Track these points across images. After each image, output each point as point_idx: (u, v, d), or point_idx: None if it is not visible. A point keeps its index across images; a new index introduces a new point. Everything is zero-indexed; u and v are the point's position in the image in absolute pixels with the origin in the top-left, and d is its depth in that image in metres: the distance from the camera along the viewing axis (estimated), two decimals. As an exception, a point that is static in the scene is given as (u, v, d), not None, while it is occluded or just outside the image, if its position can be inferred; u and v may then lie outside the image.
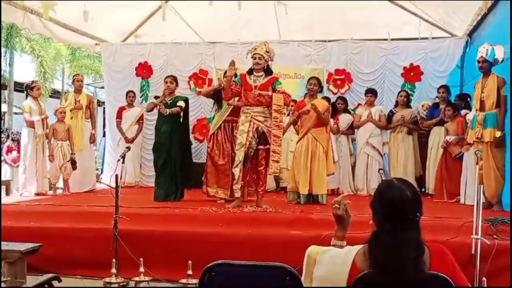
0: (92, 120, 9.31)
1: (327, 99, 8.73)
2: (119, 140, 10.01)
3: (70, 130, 8.48)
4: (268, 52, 6.74)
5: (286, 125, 8.96)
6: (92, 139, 9.31)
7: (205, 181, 7.67)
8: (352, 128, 9.31)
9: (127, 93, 10.00)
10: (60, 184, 8.73)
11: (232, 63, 6.67)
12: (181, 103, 7.63)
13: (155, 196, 7.56)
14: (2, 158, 10.92)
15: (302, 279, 2.44)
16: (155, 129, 7.92)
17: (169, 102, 7.65)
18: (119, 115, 9.95)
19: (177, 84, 7.87)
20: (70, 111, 8.85)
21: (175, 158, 7.59)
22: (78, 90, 9.23)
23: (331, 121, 8.62)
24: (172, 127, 7.60)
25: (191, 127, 10.18)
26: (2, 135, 12.07)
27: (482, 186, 5.41)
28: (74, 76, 9.96)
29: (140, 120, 9.97)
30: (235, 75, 6.78)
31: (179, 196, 7.59)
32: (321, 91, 7.95)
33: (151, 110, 8.07)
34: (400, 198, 2.28)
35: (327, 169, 7.43)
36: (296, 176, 7.38)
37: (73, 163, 8.42)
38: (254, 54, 6.72)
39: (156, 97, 7.90)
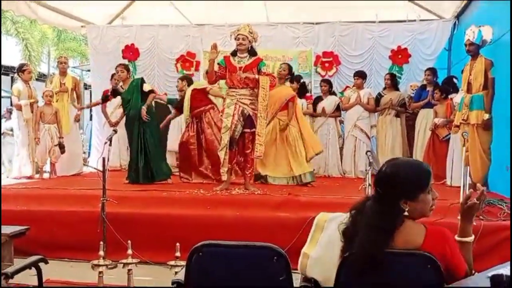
0: (79, 101, 9.29)
1: (299, 77, 8.82)
2: (104, 123, 9.93)
3: (57, 114, 8.39)
4: (251, 33, 6.71)
5: None
6: (77, 118, 9.25)
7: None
8: (338, 110, 9.30)
9: (113, 75, 9.88)
10: (47, 167, 8.67)
11: (214, 46, 6.63)
12: (146, 86, 7.61)
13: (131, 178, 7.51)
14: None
15: (307, 243, 2.48)
16: (124, 111, 7.91)
17: (127, 89, 7.59)
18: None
19: (128, 71, 7.73)
20: (55, 94, 8.75)
21: (146, 142, 7.48)
22: (62, 73, 9.10)
23: (303, 102, 8.89)
24: (138, 112, 7.45)
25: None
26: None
27: (468, 167, 5.45)
28: (58, 58, 9.83)
29: (124, 103, 9.88)
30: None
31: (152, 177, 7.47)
32: (290, 80, 8.10)
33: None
34: (389, 173, 2.30)
35: (313, 148, 7.57)
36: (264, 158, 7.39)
37: (61, 146, 8.32)
38: (238, 35, 6.69)
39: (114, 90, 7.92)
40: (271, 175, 7.56)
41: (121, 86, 7.72)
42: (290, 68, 7.88)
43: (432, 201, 2.32)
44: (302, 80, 8.97)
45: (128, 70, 7.73)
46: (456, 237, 2.35)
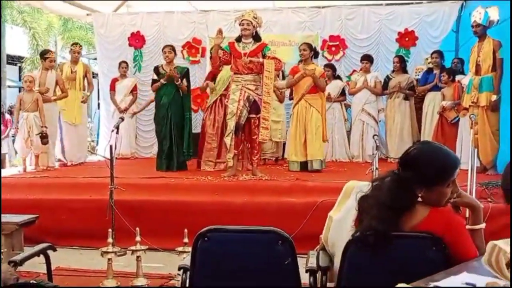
0: (90, 87, 9.14)
1: (331, 66, 8.76)
2: (113, 112, 9.92)
3: (39, 101, 7.68)
4: (255, 18, 6.70)
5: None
6: (85, 99, 9.00)
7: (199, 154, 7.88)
8: (343, 95, 9.27)
9: (120, 63, 9.88)
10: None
11: (219, 32, 6.63)
12: (185, 82, 7.63)
13: (156, 166, 7.60)
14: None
15: (333, 208, 2.52)
16: (155, 101, 7.88)
17: (169, 72, 7.61)
18: (112, 87, 9.86)
19: (175, 54, 7.83)
20: (67, 81, 8.60)
21: (174, 130, 7.54)
22: (74, 61, 8.91)
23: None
24: (171, 99, 7.56)
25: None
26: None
27: (476, 150, 5.42)
28: (71, 45, 9.35)
29: (133, 91, 9.89)
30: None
31: (176, 166, 7.53)
32: (316, 57, 7.85)
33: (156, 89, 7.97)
34: (412, 156, 2.30)
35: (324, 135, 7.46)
36: (292, 144, 7.46)
37: (44, 136, 7.56)
38: (242, 20, 6.69)
39: (156, 68, 7.84)
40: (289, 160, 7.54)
41: (162, 66, 7.69)
42: (310, 46, 7.57)
43: (451, 195, 2.27)
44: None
45: (175, 51, 7.76)
46: (467, 226, 2.31)
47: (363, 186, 2.41)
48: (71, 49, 9.12)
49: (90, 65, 10.41)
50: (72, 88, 8.68)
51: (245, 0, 9.56)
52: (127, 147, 9.85)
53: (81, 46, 9.27)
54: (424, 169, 2.22)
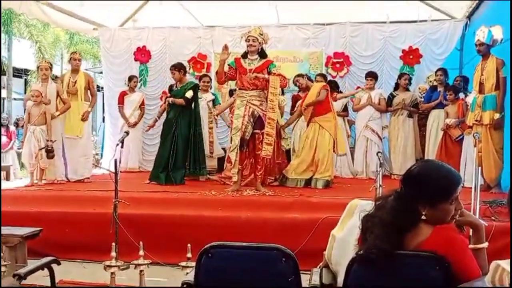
0: (92, 100, 8.41)
1: (323, 77, 8.76)
2: (122, 126, 9.81)
3: (47, 114, 7.50)
4: (261, 34, 6.78)
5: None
6: (85, 116, 8.18)
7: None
8: (346, 110, 9.31)
9: (131, 78, 9.89)
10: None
11: (225, 47, 6.71)
12: (189, 93, 7.71)
13: (150, 176, 7.79)
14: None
15: (336, 227, 2.53)
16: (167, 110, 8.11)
17: (179, 89, 7.82)
18: (121, 100, 9.87)
19: (183, 71, 7.97)
20: (67, 93, 8.05)
21: (179, 144, 7.65)
22: (75, 70, 8.26)
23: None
24: (179, 113, 7.72)
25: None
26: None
27: (480, 168, 5.42)
28: (71, 54, 8.82)
29: (141, 105, 9.93)
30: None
31: (167, 180, 7.57)
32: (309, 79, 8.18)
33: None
34: (415, 174, 2.30)
35: (337, 149, 7.53)
36: (295, 160, 7.55)
37: (49, 151, 7.41)
38: (248, 36, 6.76)
39: (170, 86, 8.20)
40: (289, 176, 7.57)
41: (176, 85, 7.97)
42: (302, 75, 8.07)
43: (455, 211, 2.27)
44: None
45: (179, 69, 7.91)
46: (470, 245, 2.30)
47: (366, 205, 2.42)
48: (70, 57, 8.56)
49: (91, 74, 9.89)
50: (74, 99, 8.11)
51: (250, 16, 9.66)
52: (135, 161, 9.87)
53: (80, 54, 8.78)
54: (427, 187, 2.23)
